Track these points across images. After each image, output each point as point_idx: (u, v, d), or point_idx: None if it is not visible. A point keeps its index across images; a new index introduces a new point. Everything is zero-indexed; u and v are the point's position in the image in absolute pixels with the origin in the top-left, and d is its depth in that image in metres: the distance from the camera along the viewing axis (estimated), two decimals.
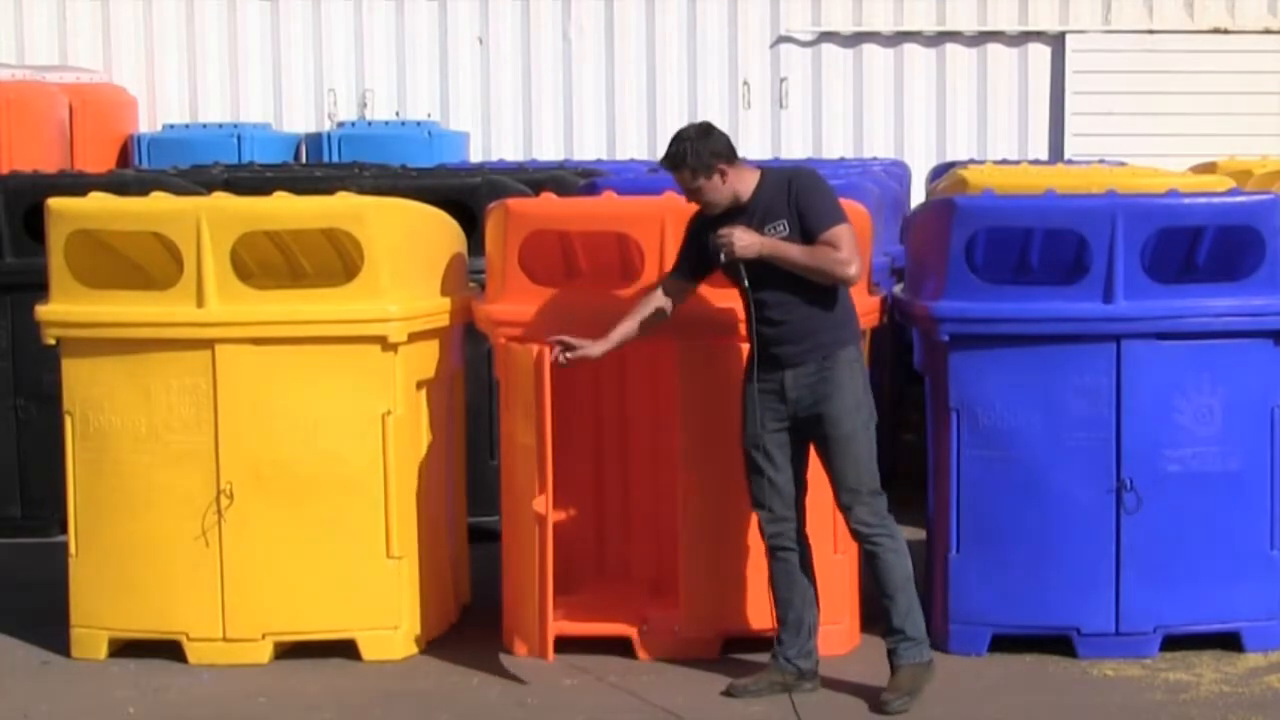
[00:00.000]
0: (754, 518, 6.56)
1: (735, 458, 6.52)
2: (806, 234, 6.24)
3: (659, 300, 6.50)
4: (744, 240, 6.22)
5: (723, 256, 6.25)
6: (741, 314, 6.51)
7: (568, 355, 6.47)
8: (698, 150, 6.27)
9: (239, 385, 6.74)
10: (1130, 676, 6.65)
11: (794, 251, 6.22)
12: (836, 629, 6.86)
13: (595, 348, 6.50)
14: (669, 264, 6.59)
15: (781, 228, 6.26)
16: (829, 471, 6.38)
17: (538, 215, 6.83)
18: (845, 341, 6.35)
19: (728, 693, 6.45)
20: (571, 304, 6.77)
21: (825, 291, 6.28)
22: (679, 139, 6.34)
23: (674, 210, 6.65)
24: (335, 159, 14.63)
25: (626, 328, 6.50)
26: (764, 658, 6.57)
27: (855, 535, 6.40)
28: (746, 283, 6.26)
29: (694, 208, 6.45)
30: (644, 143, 16.17)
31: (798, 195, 6.27)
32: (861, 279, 6.57)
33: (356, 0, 16.38)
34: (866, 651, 6.83)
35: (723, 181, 6.30)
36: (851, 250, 6.21)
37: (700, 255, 6.42)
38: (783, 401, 6.35)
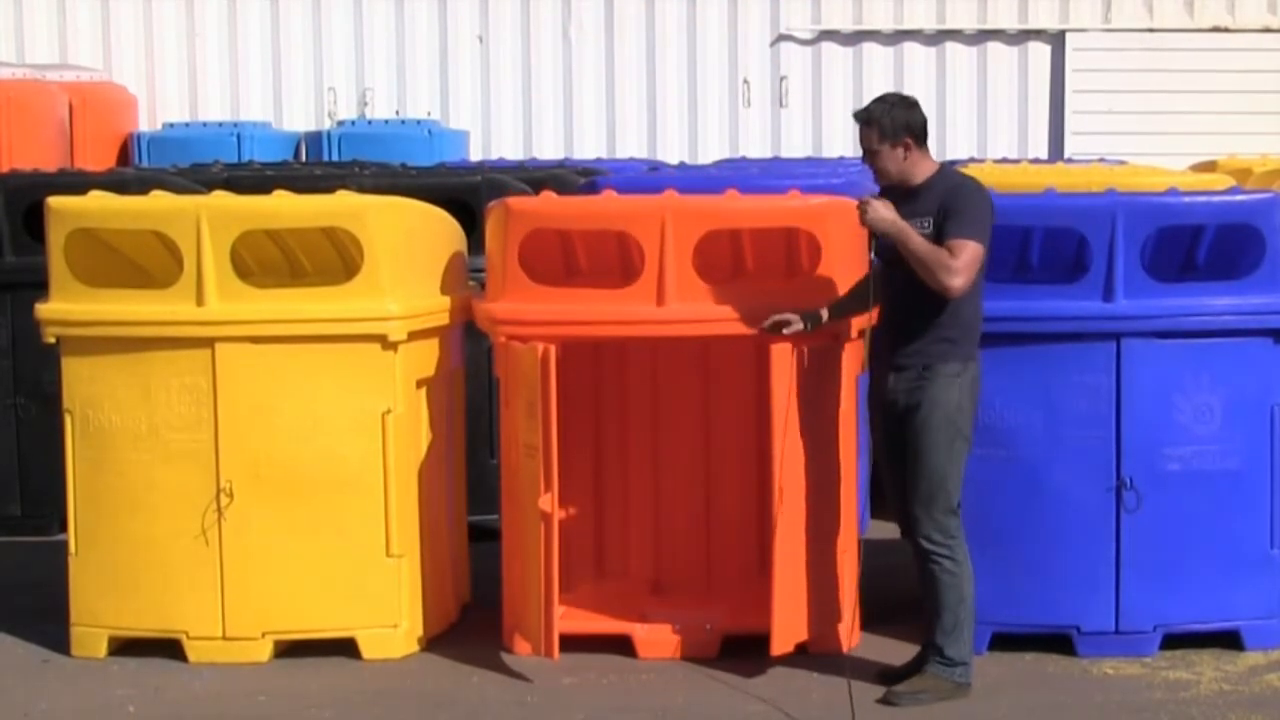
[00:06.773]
0: (841, 520, 6.76)
1: (825, 459, 6.63)
2: (941, 237, 6.20)
3: (869, 277, 6.53)
4: (879, 213, 6.22)
5: (861, 219, 6.26)
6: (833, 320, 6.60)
7: (784, 330, 6.43)
8: (894, 116, 6.30)
9: (239, 384, 6.74)
10: (1130, 675, 6.65)
11: (915, 241, 6.17)
12: (839, 626, 6.86)
13: (799, 323, 6.46)
14: (669, 262, 6.55)
15: (925, 225, 6.22)
16: (907, 480, 6.35)
17: (538, 214, 6.81)
18: (950, 357, 6.27)
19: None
20: (571, 303, 6.76)
21: (944, 303, 6.22)
22: (882, 100, 6.40)
23: (674, 209, 6.62)
24: (335, 157, 14.63)
25: (834, 302, 6.53)
26: (762, 657, 6.58)
27: (916, 549, 6.33)
28: (873, 254, 6.25)
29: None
30: (644, 141, 16.17)
31: (952, 200, 6.24)
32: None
33: None
34: (866, 650, 6.83)
35: (902, 157, 6.31)
36: (966, 264, 6.13)
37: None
38: (885, 400, 6.38)
